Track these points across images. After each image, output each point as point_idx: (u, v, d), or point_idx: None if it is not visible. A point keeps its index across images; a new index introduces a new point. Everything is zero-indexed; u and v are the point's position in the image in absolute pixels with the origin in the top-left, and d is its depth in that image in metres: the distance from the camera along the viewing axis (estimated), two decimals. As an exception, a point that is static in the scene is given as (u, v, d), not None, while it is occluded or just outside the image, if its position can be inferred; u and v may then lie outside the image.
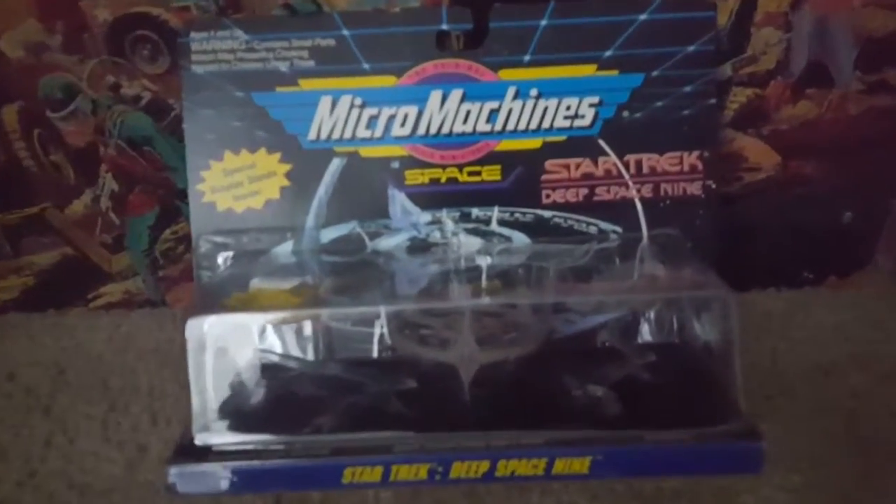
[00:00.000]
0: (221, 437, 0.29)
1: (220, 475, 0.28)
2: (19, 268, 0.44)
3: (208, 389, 0.29)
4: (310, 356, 0.35)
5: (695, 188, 0.37)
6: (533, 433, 0.28)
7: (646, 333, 0.35)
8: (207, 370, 0.29)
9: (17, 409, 0.38)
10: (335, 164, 0.37)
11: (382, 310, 0.31)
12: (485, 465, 0.28)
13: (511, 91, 0.37)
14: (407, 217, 0.37)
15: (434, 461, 0.28)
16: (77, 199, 0.42)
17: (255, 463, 0.28)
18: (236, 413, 0.30)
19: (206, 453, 0.29)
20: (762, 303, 0.45)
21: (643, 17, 0.36)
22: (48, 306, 0.45)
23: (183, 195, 0.42)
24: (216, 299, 0.33)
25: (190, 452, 0.29)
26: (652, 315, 0.34)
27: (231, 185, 0.37)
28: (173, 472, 0.28)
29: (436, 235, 0.38)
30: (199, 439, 0.29)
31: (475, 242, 0.37)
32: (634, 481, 0.32)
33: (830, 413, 0.37)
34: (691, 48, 0.37)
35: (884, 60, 0.40)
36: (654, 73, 0.37)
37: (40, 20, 0.38)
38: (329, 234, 0.37)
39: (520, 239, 0.37)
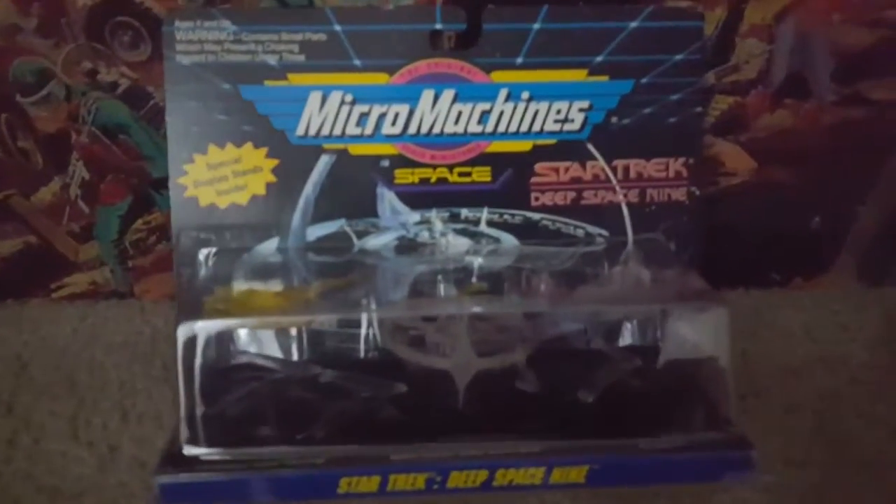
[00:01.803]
0: (211, 446, 0.28)
1: (212, 486, 0.27)
2: None
3: (197, 395, 0.29)
4: (294, 356, 0.34)
5: (679, 194, 0.38)
6: (530, 442, 0.28)
7: (627, 336, 0.35)
8: (197, 375, 0.29)
9: None
10: (324, 161, 0.37)
11: (374, 315, 0.31)
12: (483, 475, 0.28)
13: (503, 93, 0.37)
14: (396, 216, 0.37)
15: (432, 471, 0.28)
16: (45, 186, 0.41)
17: (249, 474, 0.28)
18: (225, 420, 0.30)
19: (195, 463, 0.28)
20: (732, 303, 0.45)
21: (634, 24, 0.36)
22: (6, 296, 0.44)
23: (157, 185, 0.41)
24: (200, 300, 0.32)
25: (178, 461, 0.28)
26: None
27: (215, 180, 0.36)
28: (162, 482, 0.27)
29: (424, 235, 0.37)
30: (188, 449, 0.28)
31: (464, 243, 0.37)
32: None
33: (800, 414, 0.38)
34: (679, 57, 0.37)
35: (858, 74, 0.41)
36: (644, 81, 0.37)
37: (14, 2, 0.36)
38: (316, 232, 0.37)
39: (508, 240, 0.37)
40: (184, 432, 0.28)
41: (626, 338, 0.36)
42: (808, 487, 0.34)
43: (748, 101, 0.41)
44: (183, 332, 0.28)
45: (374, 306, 0.31)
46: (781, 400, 0.39)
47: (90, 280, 0.44)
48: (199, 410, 0.29)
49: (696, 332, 0.31)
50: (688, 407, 0.31)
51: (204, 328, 0.28)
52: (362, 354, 0.35)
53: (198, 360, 0.28)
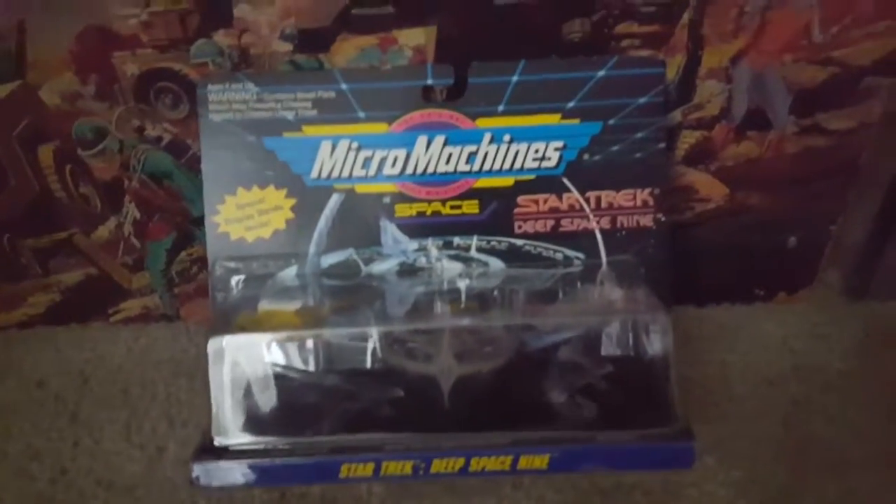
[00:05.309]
0: (236, 438, 0.33)
1: (235, 471, 0.32)
2: (47, 286, 0.48)
3: (225, 398, 0.34)
4: (311, 367, 0.37)
5: (647, 220, 0.41)
6: (501, 434, 0.33)
7: (607, 348, 0.38)
8: (225, 381, 0.34)
9: (47, 414, 0.42)
10: (334, 199, 0.41)
11: (374, 330, 0.35)
12: (460, 462, 0.32)
13: (487, 136, 0.40)
14: (397, 245, 0.41)
15: (417, 458, 0.32)
16: (103, 225, 0.46)
17: (266, 461, 0.33)
18: (248, 418, 0.34)
19: (224, 452, 0.33)
20: (715, 317, 0.48)
21: (601, 73, 0.40)
22: (71, 320, 0.49)
23: (197, 222, 0.46)
24: (230, 319, 0.37)
25: (210, 451, 0.33)
26: (613, 333, 0.37)
27: (243, 217, 0.41)
28: (196, 468, 0.33)
29: (422, 261, 0.41)
30: (218, 441, 0.33)
31: (456, 267, 0.41)
32: (596, 478, 0.36)
33: (771, 418, 0.41)
34: (643, 100, 0.40)
35: (815, 107, 0.44)
36: (611, 122, 0.40)
37: (76, 73, 0.41)
38: (328, 260, 0.41)
39: (495, 264, 0.41)
40: (215, 427, 0.33)
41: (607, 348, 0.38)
42: (772, 483, 0.37)
43: (714, 135, 0.44)
44: (212, 344, 0.33)
45: (374, 322, 0.36)
46: (754, 405, 0.41)
47: (142, 305, 0.49)
48: (227, 410, 0.33)
49: (648, 339, 0.35)
50: (642, 405, 0.34)
51: (230, 341, 0.34)
52: (369, 365, 0.38)
53: (225, 369, 0.34)
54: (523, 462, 0.32)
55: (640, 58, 0.41)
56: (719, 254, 0.48)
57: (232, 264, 0.41)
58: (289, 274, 0.41)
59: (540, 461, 0.32)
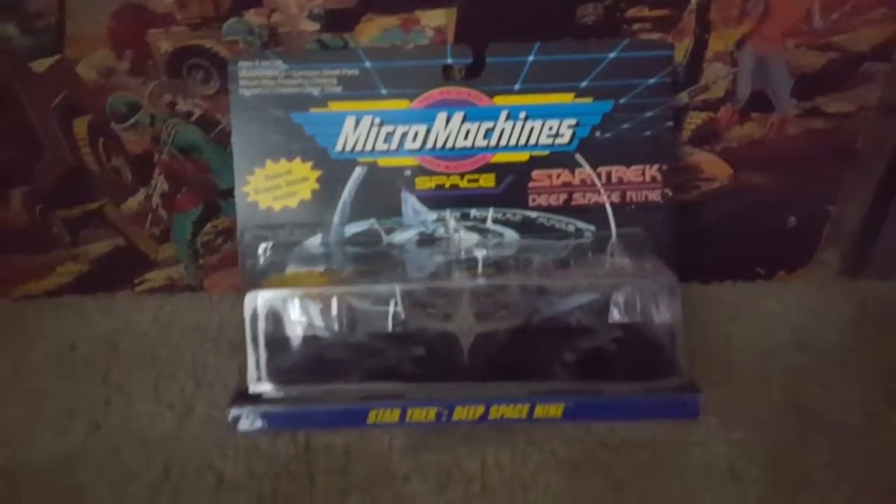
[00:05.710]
0: (270, 386, 0.35)
1: (270, 415, 0.34)
2: (76, 256, 0.49)
3: (260, 348, 0.35)
4: (336, 328, 0.39)
5: (655, 195, 0.43)
6: (518, 384, 0.35)
7: (618, 309, 0.40)
8: (259, 333, 0.35)
9: (78, 377, 0.44)
10: (357, 172, 0.42)
11: (397, 288, 0.37)
12: (480, 410, 0.34)
13: (504, 114, 0.42)
14: (417, 216, 0.43)
15: (441, 406, 0.34)
16: (132, 196, 0.47)
17: (298, 406, 0.34)
18: (281, 368, 0.36)
19: (259, 398, 0.35)
20: (719, 294, 0.50)
21: (612, 54, 0.42)
22: (98, 290, 0.50)
23: (224, 195, 0.47)
24: (259, 282, 0.39)
25: (246, 397, 0.35)
26: (621, 299, 0.39)
27: (271, 188, 0.42)
28: (234, 411, 0.34)
29: (440, 231, 0.43)
30: (253, 388, 0.35)
31: (473, 237, 0.42)
32: (603, 433, 0.38)
33: (771, 386, 0.42)
34: (652, 80, 0.42)
35: (815, 90, 0.45)
36: (622, 101, 0.42)
37: (112, 49, 0.43)
38: (352, 229, 0.42)
39: (510, 235, 0.43)
40: (250, 376, 0.35)
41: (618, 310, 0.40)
42: (772, 444, 0.39)
43: (719, 116, 0.46)
44: (248, 298, 0.35)
45: (395, 284, 0.37)
46: (755, 374, 0.43)
47: (167, 276, 0.50)
48: (262, 360, 0.35)
49: (657, 301, 0.37)
50: (650, 360, 0.36)
51: (264, 296, 0.35)
52: (390, 328, 0.40)
53: (260, 321, 0.35)
54: (539, 411, 0.34)
55: (649, 40, 0.43)
56: (723, 232, 0.50)
57: (260, 232, 0.42)
58: (314, 242, 0.42)
59: (555, 410, 0.34)
